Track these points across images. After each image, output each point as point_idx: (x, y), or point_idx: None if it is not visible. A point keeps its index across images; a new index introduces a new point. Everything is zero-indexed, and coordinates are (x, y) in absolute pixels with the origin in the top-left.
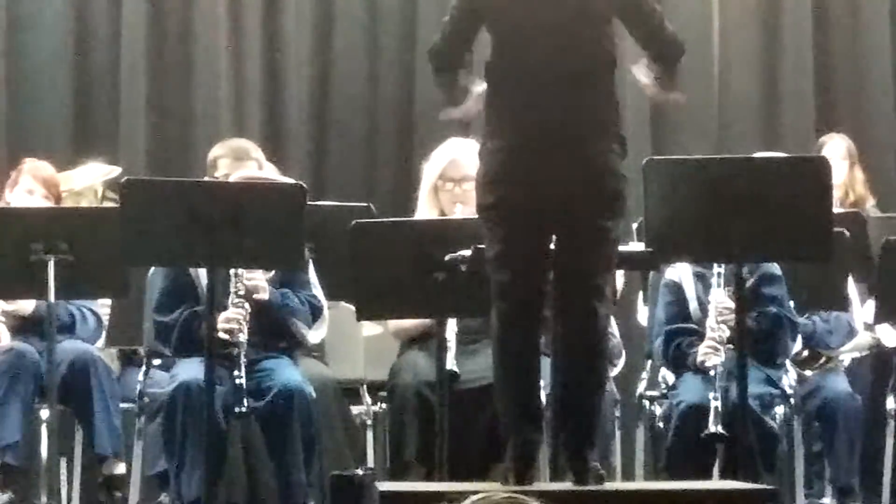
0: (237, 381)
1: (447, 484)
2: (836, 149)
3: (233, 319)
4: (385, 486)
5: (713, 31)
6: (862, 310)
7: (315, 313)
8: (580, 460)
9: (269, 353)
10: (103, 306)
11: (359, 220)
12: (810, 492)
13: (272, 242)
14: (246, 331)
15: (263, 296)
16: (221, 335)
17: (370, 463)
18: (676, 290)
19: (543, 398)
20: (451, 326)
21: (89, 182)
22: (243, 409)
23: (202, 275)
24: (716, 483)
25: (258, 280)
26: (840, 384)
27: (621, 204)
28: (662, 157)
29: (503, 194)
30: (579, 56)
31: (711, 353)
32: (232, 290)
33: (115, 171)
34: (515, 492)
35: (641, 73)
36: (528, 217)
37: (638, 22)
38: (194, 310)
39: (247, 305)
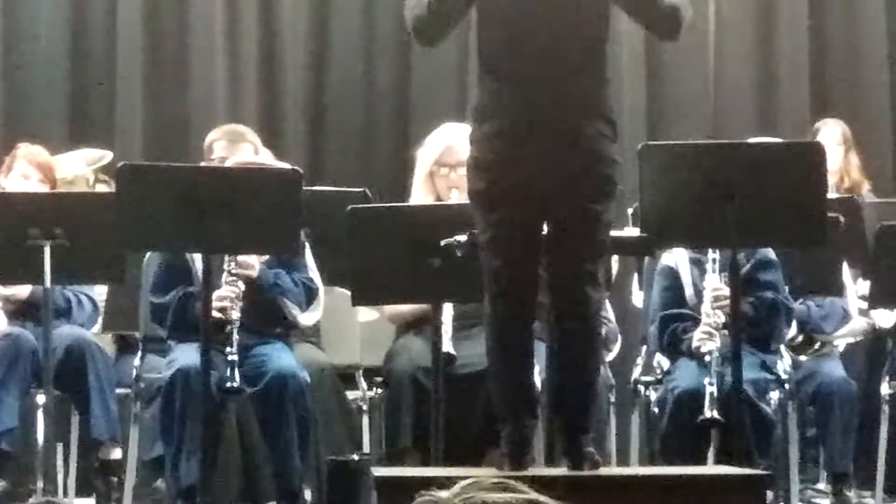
0: (230, 357)
1: (442, 469)
2: (830, 134)
3: (225, 297)
4: (380, 471)
5: (709, 17)
6: (856, 295)
7: (309, 296)
8: (575, 445)
9: (264, 339)
10: (99, 292)
11: (355, 206)
12: (805, 477)
13: (268, 227)
14: (238, 308)
15: (252, 273)
16: (214, 313)
17: (366, 448)
18: (672, 275)
19: (538, 383)
20: (448, 310)
21: (80, 171)
22: (234, 385)
23: (197, 257)
24: (710, 468)
25: (248, 258)
26: (835, 369)
27: (612, 188)
28: (658, 143)
29: (494, 179)
30: (570, 39)
31: (706, 338)
32: (225, 268)
33: (106, 156)
34: (508, 477)
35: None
36: (520, 202)
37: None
38: (188, 290)
39: (240, 284)
